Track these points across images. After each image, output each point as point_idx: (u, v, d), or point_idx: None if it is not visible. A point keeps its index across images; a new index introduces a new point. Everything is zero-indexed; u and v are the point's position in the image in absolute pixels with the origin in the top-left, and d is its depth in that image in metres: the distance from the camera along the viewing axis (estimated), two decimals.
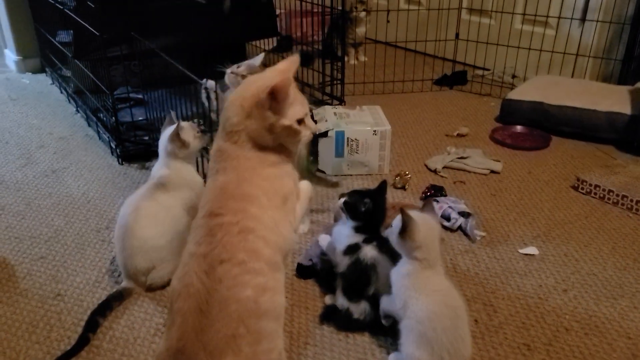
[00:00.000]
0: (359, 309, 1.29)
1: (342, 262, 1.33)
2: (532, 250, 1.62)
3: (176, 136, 1.50)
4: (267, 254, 1.01)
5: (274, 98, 1.02)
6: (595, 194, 1.90)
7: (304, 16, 3.13)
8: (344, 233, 1.36)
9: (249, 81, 1.09)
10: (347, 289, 1.32)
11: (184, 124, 1.54)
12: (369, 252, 1.31)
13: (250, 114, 1.03)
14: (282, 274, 1.06)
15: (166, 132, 1.54)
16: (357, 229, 1.35)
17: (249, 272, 0.97)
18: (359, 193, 1.39)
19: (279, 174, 1.09)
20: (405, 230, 1.16)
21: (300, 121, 1.07)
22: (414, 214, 1.19)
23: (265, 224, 1.02)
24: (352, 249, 1.32)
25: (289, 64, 1.08)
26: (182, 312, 0.97)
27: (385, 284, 1.24)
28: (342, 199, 1.37)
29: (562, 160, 2.18)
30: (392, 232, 1.21)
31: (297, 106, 1.06)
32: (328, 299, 1.39)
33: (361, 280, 1.29)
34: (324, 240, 1.47)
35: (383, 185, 1.43)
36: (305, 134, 1.08)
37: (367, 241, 1.32)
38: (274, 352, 0.99)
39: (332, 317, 1.33)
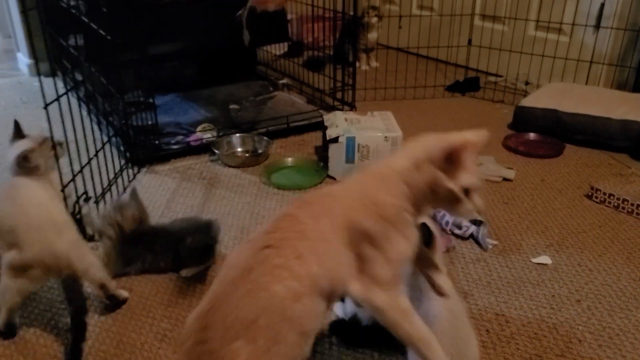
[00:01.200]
0: (367, 314, 1.27)
1: None
2: (545, 259, 1.60)
3: (24, 160, 1.36)
4: (315, 272, 0.94)
5: (449, 159, 0.98)
6: (609, 202, 1.87)
7: (316, 21, 3.13)
8: None
9: (431, 135, 1.04)
10: None
11: (32, 142, 1.39)
12: None
13: (420, 166, 1.00)
14: (322, 304, 0.97)
15: (13, 150, 1.38)
16: None
17: (288, 269, 0.93)
18: None
19: (399, 232, 1.00)
20: (431, 243, 1.15)
21: (467, 192, 1.01)
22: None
23: (330, 249, 0.97)
24: None
25: (477, 135, 1.02)
26: (220, 280, 0.96)
27: None
28: None
29: (576, 169, 2.15)
30: None
31: (469, 175, 1.00)
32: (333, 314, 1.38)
33: None
34: None
35: None
36: (467, 208, 1.01)
37: None
38: None
39: (340, 332, 1.32)
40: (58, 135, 1.48)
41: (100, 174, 1.78)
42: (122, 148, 2.16)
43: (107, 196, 1.80)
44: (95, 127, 2.11)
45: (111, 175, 2.01)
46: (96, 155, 1.80)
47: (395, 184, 1.00)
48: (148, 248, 1.50)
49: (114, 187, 1.87)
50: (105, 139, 2.00)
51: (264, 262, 0.93)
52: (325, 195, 1.03)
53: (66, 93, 1.58)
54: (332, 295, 0.99)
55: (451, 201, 1.01)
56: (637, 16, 2.59)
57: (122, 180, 1.96)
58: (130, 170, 2.06)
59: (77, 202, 1.59)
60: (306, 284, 0.94)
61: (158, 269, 1.51)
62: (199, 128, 2.34)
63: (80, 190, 1.65)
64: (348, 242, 0.98)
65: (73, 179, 1.63)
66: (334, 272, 0.97)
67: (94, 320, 1.34)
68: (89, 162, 1.73)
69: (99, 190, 1.76)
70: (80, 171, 1.67)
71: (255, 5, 2.16)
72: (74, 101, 1.78)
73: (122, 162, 2.10)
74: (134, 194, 1.56)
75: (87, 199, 1.66)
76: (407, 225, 1.01)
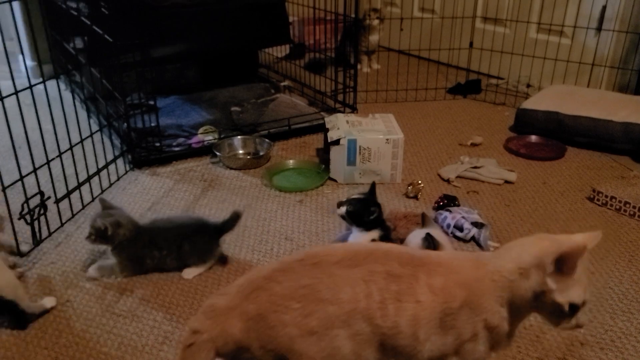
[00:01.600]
0: None
1: None
2: None
3: None
4: (399, 321, 0.90)
5: (561, 266, 0.90)
6: (611, 205, 1.86)
7: (317, 24, 3.13)
8: (359, 237, 1.36)
9: (541, 236, 0.96)
10: None
11: None
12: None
13: (528, 273, 0.92)
14: (374, 350, 0.93)
15: None
16: (369, 227, 1.36)
17: (397, 299, 0.91)
18: (360, 201, 1.39)
19: (487, 342, 0.94)
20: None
21: (574, 308, 0.91)
22: (414, 234, 1.20)
23: (425, 316, 0.92)
24: None
25: (592, 238, 0.95)
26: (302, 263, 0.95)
27: None
28: (343, 208, 1.37)
29: (578, 171, 2.15)
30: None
31: (579, 290, 0.91)
32: None
33: None
34: None
35: (373, 185, 1.50)
36: (569, 326, 0.93)
37: (382, 238, 1.34)
38: None
39: None
40: (71, 136, 1.48)
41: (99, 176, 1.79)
42: (124, 150, 2.16)
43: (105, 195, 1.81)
44: (95, 125, 2.11)
45: (113, 178, 2.02)
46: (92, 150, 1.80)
47: (501, 289, 0.93)
48: (152, 244, 1.50)
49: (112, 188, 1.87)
50: (108, 140, 2.00)
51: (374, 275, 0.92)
52: (440, 265, 0.97)
53: (43, 82, 1.61)
54: (391, 351, 0.94)
55: (553, 313, 0.93)
56: (639, 19, 2.59)
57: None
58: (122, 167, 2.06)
59: (26, 202, 1.58)
60: (389, 324, 0.91)
61: (166, 265, 1.51)
62: (201, 130, 2.34)
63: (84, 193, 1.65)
64: (440, 325, 0.92)
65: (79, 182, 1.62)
66: (413, 339, 0.92)
67: (94, 323, 1.34)
68: (70, 147, 1.72)
69: (98, 191, 1.76)
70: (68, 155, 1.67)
71: None
72: (72, 100, 1.78)
73: (127, 166, 2.10)
74: (104, 202, 1.53)
75: (44, 199, 1.64)
76: (501, 337, 0.95)
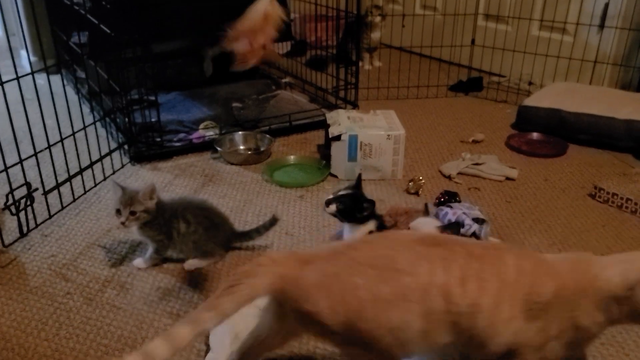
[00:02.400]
0: None
1: None
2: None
3: None
4: (485, 301, 0.88)
5: None
6: (612, 202, 1.86)
7: (319, 21, 3.13)
8: (354, 232, 1.36)
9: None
10: None
11: None
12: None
13: (634, 290, 0.92)
14: (445, 332, 0.91)
15: None
16: (362, 222, 1.36)
17: (479, 278, 0.89)
18: (349, 197, 1.37)
19: (571, 326, 0.93)
20: None
21: None
22: (422, 220, 1.19)
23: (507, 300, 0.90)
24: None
25: None
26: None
27: None
28: (333, 206, 1.35)
29: (579, 168, 2.14)
30: None
31: None
32: None
33: None
34: None
35: (359, 178, 1.47)
36: None
37: (380, 228, 1.34)
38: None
39: None
40: (72, 131, 1.48)
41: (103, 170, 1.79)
42: (125, 145, 2.15)
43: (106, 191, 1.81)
44: (97, 121, 2.12)
45: (109, 172, 2.01)
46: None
47: (604, 297, 0.93)
48: (179, 216, 1.50)
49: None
50: (110, 138, 2.00)
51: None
52: (533, 257, 0.97)
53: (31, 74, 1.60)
54: (459, 334, 0.91)
55: None
56: None
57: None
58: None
59: (10, 192, 1.57)
60: (468, 302, 0.88)
61: (187, 243, 1.51)
62: (202, 126, 2.33)
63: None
64: (525, 311, 0.91)
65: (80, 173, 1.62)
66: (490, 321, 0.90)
67: (95, 315, 1.34)
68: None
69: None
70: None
71: (236, 56, 2.11)
72: (75, 97, 1.78)
73: (125, 160, 2.10)
74: (116, 183, 1.49)
75: (30, 191, 1.63)
76: (582, 340, 0.95)
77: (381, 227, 1.47)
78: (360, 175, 1.50)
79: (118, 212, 1.44)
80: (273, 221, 1.59)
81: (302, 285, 0.89)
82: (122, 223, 1.43)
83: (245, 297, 0.88)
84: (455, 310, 0.88)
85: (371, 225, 1.37)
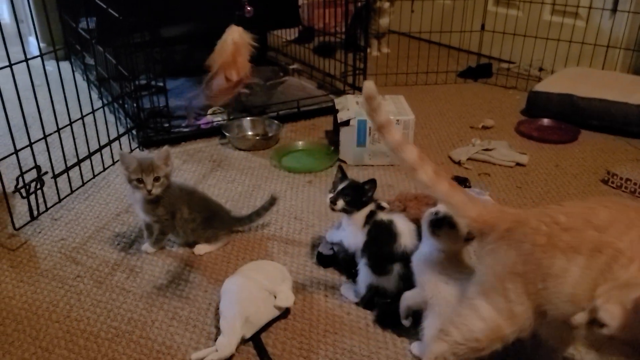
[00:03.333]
0: (391, 282, 1.26)
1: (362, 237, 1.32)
2: None
3: None
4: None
5: None
6: (626, 188, 1.83)
7: (327, 7, 3.10)
8: (355, 220, 1.35)
9: None
10: (374, 257, 1.28)
11: None
12: (384, 215, 1.32)
13: None
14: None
15: None
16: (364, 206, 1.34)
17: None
18: (350, 188, 1.34)
19: None
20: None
21: None
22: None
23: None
24: (368, 217, 1.32)
25: None
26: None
27: (410, 242, 1.25)
28: (340, 202, 1.32)
29: (591, 154, 2.12)
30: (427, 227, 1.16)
31: None
32: (348, 293, 1.36)
33: (387, 239, 1.27)
34: (335, 235, 1.43)
35: (340, 168, 1.41)
36: None
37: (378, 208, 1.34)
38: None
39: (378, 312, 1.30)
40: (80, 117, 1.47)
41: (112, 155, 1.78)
42: (133, 131, 2.15)
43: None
44: (104, 108, 2.12)
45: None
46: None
47: None
48: (184, 202, 1.50)
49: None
50: (119, 124, 1.99)
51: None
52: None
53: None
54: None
55: None
56: None
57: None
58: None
59: (21, 175, 1.57)
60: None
61: (186, 229, 1.51)
62: (210, 111, 2.33)
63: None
64: None
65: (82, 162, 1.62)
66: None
67: (105, 298, 1.34)
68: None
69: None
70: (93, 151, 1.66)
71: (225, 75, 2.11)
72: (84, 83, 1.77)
73: (133, 145, 2.10)
74: (127, 154, 1.45)
75: (40, 174, 1.63)
76: None
77: (380, 207, 1.44)
78: (341, 165, 1.45)
79: (139, 181, 1.38)
80: (272, 201, 1.59)
81: (493, 228, 0.97)
82: (149, 191, 1.38)
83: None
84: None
85: (372, 207, 1.35)
